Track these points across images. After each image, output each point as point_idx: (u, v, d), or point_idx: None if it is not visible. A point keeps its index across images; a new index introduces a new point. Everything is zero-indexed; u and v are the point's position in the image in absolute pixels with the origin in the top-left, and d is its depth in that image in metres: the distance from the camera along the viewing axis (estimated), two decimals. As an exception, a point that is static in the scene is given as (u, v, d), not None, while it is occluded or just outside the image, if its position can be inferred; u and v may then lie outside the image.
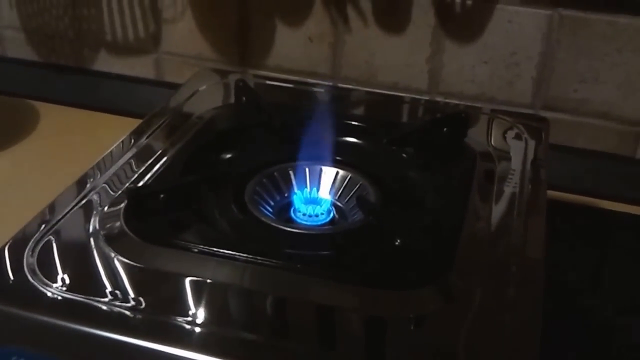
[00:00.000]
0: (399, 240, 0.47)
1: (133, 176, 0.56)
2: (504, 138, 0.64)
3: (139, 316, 0.42)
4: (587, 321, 0.59)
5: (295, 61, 0.83)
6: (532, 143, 0.63)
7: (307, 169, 0.59)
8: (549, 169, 0.60)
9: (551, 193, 0.71)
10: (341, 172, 0.59)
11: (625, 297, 0.62)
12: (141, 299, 0.44)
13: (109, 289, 0.44)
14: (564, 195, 0.74)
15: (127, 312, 0.43)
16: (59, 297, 0.44)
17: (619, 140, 0.77)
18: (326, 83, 0.82)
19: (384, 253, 0.48)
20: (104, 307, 0.43)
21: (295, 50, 0.83)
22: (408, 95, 0.80)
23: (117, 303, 0.43)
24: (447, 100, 0.80)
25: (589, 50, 0.74)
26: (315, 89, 0.76)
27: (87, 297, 0.44)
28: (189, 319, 0.42)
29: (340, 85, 0.82)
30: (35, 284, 0.44)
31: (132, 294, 0.44)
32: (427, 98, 0.80)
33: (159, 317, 0.43)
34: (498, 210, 0.54)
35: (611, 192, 0.74)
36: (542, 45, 0.75)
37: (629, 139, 0.76)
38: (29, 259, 0.47)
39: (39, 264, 0.46)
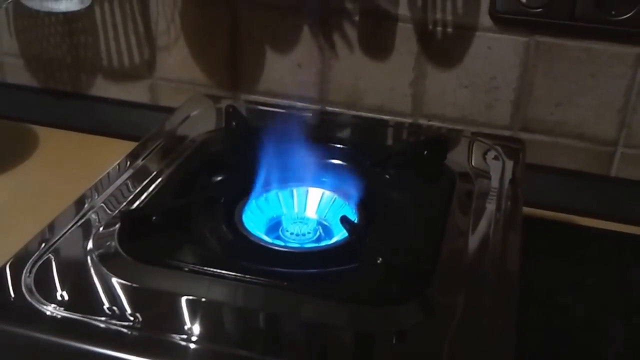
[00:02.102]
0: (380, 259, 0.48)
1: (129, 197, 0.58)
2: (483, 159, 0.66)
3: (135, 333, 0.44)
4: (563, 331, 0.60)
5: (284, 86, 0.84)
6: (509, 163, 0.65)
7: (294, 191, 0.61)
8: (525, 187, 0.62)
9: (530, 210, 0.73)
10: (327, 193, 0.61)
11: (600, 308, 0.64)
12: (137, 316, 0.45)
13: (105, 307, 0.46)
14: (542, 212, 0.76)
15: (124, 330, 0.44)
16: (58, 316, 0.45)
17: (594, 160, 0.78)
18: (314, 107, 0.83)
19: (366, 270, 0.49)
20: (102, 325, 0.44)
21: (284, 76, 0.84)
22: (393, 118, 0.81)
23: (114, 321, 0.44)
24: (430, 123, 0.81)
25: (565, 75, 0.75)
26: (304, 113, 0.77)
27: (85, 315, 0.45)
28: (184, 335, 0.44)
29: (328, 108, 0.83)
30: (32, 302, 0.46)
31: (128, 312, 0.45)
32: (410, 121, 0.81)
33: (155, 334, 0.44)
34: (476, 227, 0.56)
35: (587, 209, 0.76)
36: (520, 70, 0.76)
37: (603, 158, 0.78)
38: (26, 278, 0.48)
39: (37, 282, 0.47)
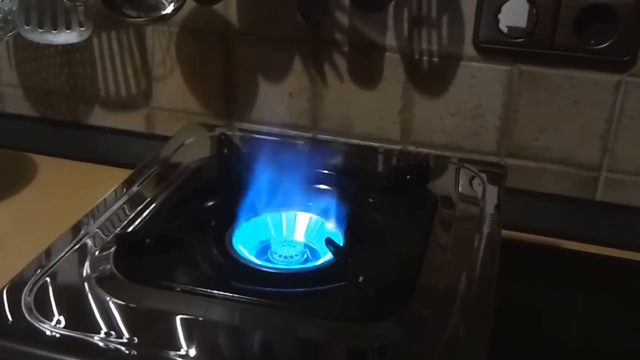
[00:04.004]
0: (362, 278, 0.50)
1: (124, 221, 0.60)
2: (467, 184, 0.68)
3: (133, 352, 0.46)
4: (547, 353, 0.62)
5: (277, 114, 0.85)
6: (490, 188, 0.66)
7: (283, 215, 0.62)
8: (504, 211, 0.64)
9: (516, 234, 0.75)
10: (314, 217, 0.62)
11: (585, 331, 0.65)
12: (134, 335, 0.47)
13: (103, 326, 0.47)
14: (529, 236, 0.77)
15: (122, 348, 0.46)
16: (57, 334, 0.46)
17: (579, 184, 0.79)
18: (306, 134, 0.85)
19: (349, 289, 0.51)
20: (101, 344, 0.46)
21: (277, 105, 0.85)
22: (382, 145, 0.82)
23: (112, 339, 0.46)
24: (418, 150, 0.82)
25: (548, 102, 0.76)
26: (296, 141, 0.79)
27: (84, 333, 0.47)
28: (180, 352, 0.46)
29: (319, 136, 0.85)
30: (32, 321, 0.47)
31: (125, 331, 0.47)
32: (399, 147, 0.82)
33: (152, 351, 0.46)
34: (456, 249, 0.58)
35: (572, 233, 0.77)
36: (504, 98, 0.78)
37: (588, 183, 0.79)
38: (26, 298, 0.49)
39: (37, 302, 0.49)
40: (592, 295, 0.71)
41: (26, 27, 0.78)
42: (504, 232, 0.69)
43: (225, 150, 0.70)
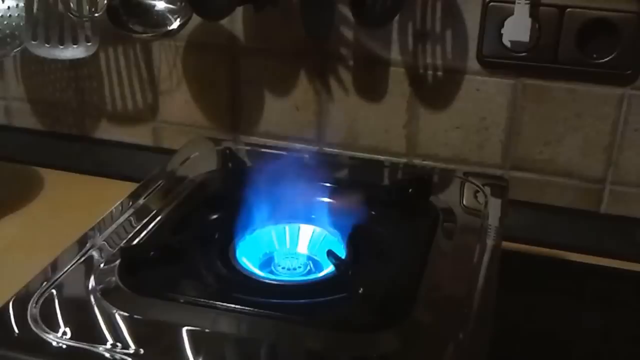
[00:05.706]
0: (362, 289, 0.51)
1: (129, 234, 0.60)
2: (470, 197, 0.68)
3: None
4: None
5: (283, 128, 0.86)
6: (493, 200, 0.67)
7: (286, 227, 0.63)
8: (509, 223, 0.65)
9: (522, 246, 0.76)
10: (317, 229, 0.62)
11: (591, 341, 0.65)
12: (140, 346, 0.47)
13: (109, 337, 0.48)
14: (534, 248, 0.77)
15: (129, 359, 0.46)
16: (63, 345, 0.47)
17: (584, 197, 0.79)
18: (312, 148, 0.85)
19: (351, 301, 0.52)
20: (107, 355, 0.47)
21: (283, 118, 0.86)
22: (388, 158, 0.83)
23: (118, 350, 0.47)
24: (424, 163, 0.83)
25: (551, 115, 0.77)
26: (302, 154, 0.79)
27: (90, 344, 0.47)
28: None
29: (325, 149, 0.85)
30: (39, 333, 0.48)
31: (131, 342, 0.48)
32: (405, 160, 0.83)
33: None
34: (457, 259, 0.58)
35: (577, 245, 0.77)
36: (509, 111, 0.78)
37: (593, 196, 0.79)
38: (32, 310, 0.50)
39: (42, 314, 0.50)
40: (597, 307, 0.71)
41: (33, 42, 0.79)
42: (510, 244, 0.70)
43: (230, 164, 0.70)
